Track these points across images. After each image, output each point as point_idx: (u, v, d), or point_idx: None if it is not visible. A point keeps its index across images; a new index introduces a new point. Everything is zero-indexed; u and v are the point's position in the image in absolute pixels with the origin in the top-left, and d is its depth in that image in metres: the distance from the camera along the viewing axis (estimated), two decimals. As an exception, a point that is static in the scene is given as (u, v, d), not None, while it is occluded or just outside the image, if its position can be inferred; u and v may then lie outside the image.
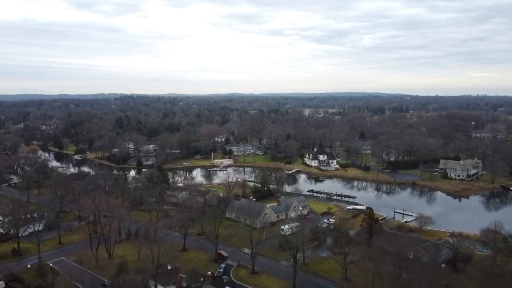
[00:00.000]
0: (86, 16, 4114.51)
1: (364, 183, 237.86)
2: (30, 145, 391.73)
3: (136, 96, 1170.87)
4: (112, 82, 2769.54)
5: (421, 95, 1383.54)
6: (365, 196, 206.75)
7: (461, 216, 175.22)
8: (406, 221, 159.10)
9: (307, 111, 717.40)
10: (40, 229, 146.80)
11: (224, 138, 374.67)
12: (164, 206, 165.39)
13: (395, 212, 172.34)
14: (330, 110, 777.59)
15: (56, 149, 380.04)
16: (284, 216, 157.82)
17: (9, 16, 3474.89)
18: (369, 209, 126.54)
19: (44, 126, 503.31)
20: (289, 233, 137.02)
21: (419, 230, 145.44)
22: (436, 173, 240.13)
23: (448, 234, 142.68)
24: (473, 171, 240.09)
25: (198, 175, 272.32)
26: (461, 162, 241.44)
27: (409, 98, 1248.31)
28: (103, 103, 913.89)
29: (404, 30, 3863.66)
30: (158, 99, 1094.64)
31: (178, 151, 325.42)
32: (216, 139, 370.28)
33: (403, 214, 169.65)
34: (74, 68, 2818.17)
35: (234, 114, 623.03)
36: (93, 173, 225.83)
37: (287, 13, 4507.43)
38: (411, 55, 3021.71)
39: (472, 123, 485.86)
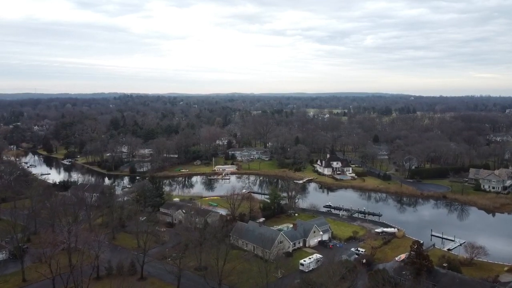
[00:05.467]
0: (90, 15, 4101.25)
1: (384, 195, 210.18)
2: (19, 148, 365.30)
3: (136, 95, 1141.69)
4: (114, 82, 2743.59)
5: (424, 95, 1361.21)
6: (389, 212, 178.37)
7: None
8: (448, 249, 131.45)
9: (311, 112, 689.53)
10: (4, 258, 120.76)
11: (226, 141, 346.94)
12: (157, 228, 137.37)
13: (431, 235, 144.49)
14: (335, 111, 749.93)
15: (45, 153, 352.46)
16: (301, 244, 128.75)
17: (13, 16, 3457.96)
18: (416, 243, 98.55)
19: (36, 127, 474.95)
20: (310, 268, 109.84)
21: (469, 262, 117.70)
22: (467, 184, 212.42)
23: (506, 268, 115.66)
24: (508, 182, 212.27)
25: (197, 184, 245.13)
26: (496, 172, 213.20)
27: (412, 98, 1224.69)
28: (101, 103, 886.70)
29: (407, 30, 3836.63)
30: (158, 98, 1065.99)
31: (176, 156, 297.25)
32: (217, 142, 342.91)
33: (442, 238, 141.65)
34: (76, 68, 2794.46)
35: (236, 114, 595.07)
36: (79, 183, 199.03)
37: (289, 13, 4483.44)
38: (413, 56, 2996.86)
39: (487, 125, 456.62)
